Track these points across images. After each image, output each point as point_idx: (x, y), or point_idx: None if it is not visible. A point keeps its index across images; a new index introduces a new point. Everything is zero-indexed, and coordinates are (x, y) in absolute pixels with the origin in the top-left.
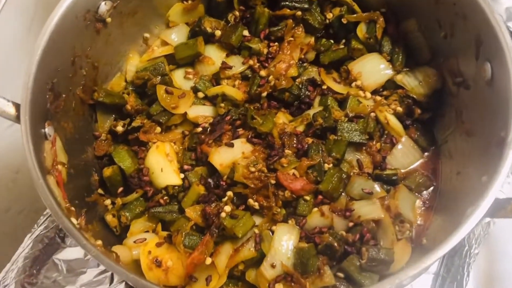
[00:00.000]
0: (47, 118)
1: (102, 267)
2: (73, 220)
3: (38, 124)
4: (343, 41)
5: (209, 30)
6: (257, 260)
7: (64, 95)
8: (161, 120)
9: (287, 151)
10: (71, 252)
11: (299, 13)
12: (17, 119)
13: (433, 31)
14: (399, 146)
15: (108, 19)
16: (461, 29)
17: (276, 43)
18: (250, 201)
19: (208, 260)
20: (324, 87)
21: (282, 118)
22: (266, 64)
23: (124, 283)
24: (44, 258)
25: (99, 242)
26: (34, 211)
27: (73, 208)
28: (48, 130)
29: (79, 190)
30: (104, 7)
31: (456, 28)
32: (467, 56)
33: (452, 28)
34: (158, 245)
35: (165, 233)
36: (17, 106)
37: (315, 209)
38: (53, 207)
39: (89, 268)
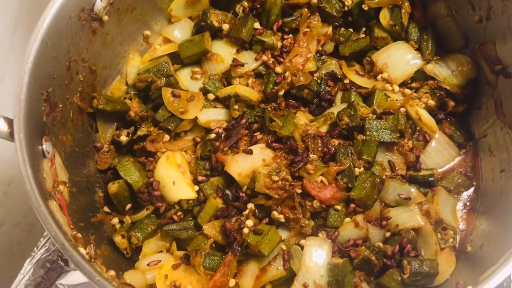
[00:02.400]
0: (44, 133)
1: None
2: (81, 250)
3: (34, 141)
4: (364, 29)
5: (215, 24)
6: (287, 280)
7: (61, 105)
8: (169, 127)
9: (312, 156)
10: (77, 276)
11: (314, 0)
12: (10, 136)
13: (465, 14)
14: (433, 143)
15: (105, 17)
16: (500, 10)
17: (291, 35)
18: (275, 213)
19: (232, 282)
20: (346, 81)
21: (302, 118)
22: (281, 59)
23: None
24: (47, 284)
25: (112, 273)
26: (30, 224)
27: (79, 235)
28: (46, 146)
29: (83, 210)
30: (100, 4)
31: (493, 10)
32: (507, 41)
33: (489, 10)
34: (175, 267)
35: (181, 253)
36: (10, 122)
37: (348, 219)
38: (59, 238)
39: None
